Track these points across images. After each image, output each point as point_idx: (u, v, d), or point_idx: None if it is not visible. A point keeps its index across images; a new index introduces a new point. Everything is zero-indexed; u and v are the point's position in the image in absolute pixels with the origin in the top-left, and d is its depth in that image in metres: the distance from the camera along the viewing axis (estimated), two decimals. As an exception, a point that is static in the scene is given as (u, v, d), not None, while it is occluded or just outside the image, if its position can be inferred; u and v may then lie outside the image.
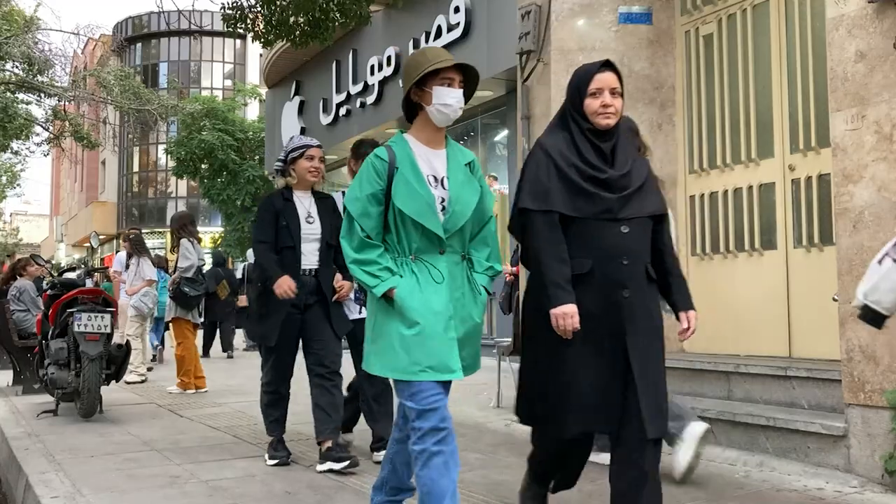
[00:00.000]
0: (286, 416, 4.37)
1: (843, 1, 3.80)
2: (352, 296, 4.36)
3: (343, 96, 13.50)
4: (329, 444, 4.01)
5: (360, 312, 4.31)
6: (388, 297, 2.67)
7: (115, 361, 5.82)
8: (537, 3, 5.49)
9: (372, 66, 12.54)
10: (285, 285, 3.92)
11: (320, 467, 3.98)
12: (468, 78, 3.16)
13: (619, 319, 2.54)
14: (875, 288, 2.49)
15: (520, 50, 5.61)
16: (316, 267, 4.14)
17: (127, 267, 8.38)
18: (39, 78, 21.72)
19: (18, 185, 42.26)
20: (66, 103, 24.32)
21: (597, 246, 2.56)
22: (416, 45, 11.38)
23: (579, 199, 2.59)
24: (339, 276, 4.27)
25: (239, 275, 13.48)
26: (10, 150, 25.74)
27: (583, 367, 2.55)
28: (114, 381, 5.96)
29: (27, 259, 8.24)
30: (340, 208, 3.77)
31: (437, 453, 2.58)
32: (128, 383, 7.42)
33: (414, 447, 2.63)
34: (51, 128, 24.40)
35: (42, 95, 22.49)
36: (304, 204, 4.18)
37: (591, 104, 2.71)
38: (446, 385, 2.70)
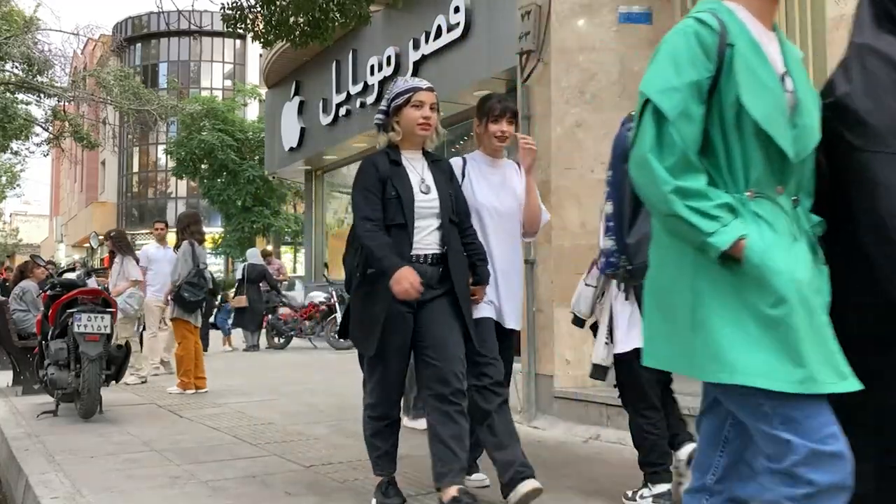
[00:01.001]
0: (397, 447, 3.30)
1: (843, 1, 3.80)
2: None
3: (343, 96, 13.49)
4: (455, 492, 2.95)
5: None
6: (731, 255, 1.68)
7: (115, 362, 5.82)
8: (537, 3, 5.49)
9: (372, 66, 12.54)
10: (407, 282, 2.88)
11: None
12: None
13: None
14: (577, 301, 3.57)
15: (520, 50, 5.61)
16: (436, 252, 3.11)
17: (110, 266, 8.35)
18: (39, 78, 21.74)
19: (18, 185, 42.31)
20: (66, 103, 24.33)
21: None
22: (416, 45, 11.39)
23: None
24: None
25: (239, 275, 13.48)
26: (9, 151, 25.75)
27: None
28: (114, 382, 5.97)
29: (34, 262, 8.23)
30: (459, 175, 3.43)
31: None
32: (127, 384, 7.42)
33: None
34: (50, 128, 24.42)
35: (42, 96, 22.51)
36: (416, 168, 3.18)
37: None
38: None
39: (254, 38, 6.85)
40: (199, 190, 30.34)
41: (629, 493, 3.30)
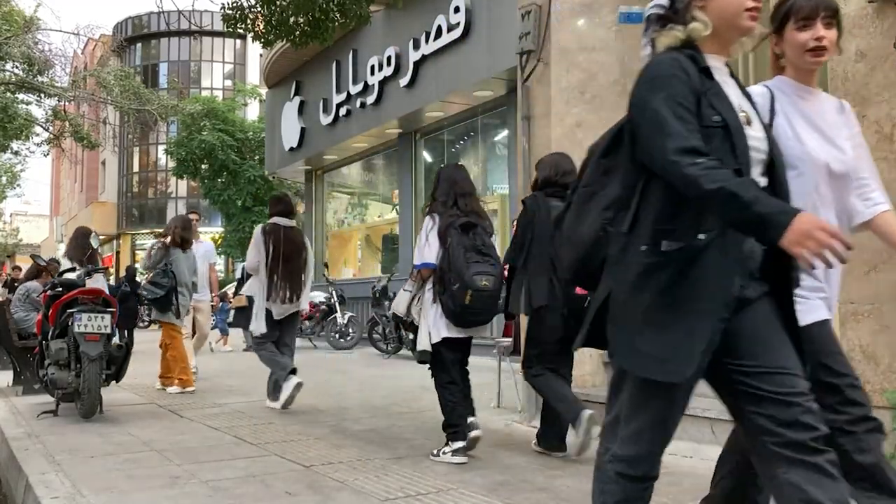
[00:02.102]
0: None
1: (844, 1, 3.80)
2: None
3: (343, 96, 13.50)
4: None
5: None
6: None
7: (116, 362, 5.82)
8: (537, 3, 5.49)
9: (372, 67, 12.55)
10: (822, 232, 1.69)
11: None
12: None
13: None
14: (396, 305, 4.31)
15: (520, 50, 5.61)
16: None
17: (115, 266, 8.28)
18: (39, 78, 21.76)
19: (18, 185, 42.35)
20: (66, 103, 24.35)
21: None
22: (416, 45, 11.40)
23: None
24: None
25: (238, 275, 13.47)
26: (10, 151, 25.77)
27: None
28: (114, 382, 5.97)
29: (52, 265, 8.16)
30: (765, 111, 2.29)
31: None
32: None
33: None
34: (51, 128, 24.43)
35: (42, 96, 22.52)
36: (728, 84, 2.02)
37: None
38: None
39: (254, 38, 6.85)
40: (199, 190, 30.34)
41: (435, 451, 4.17)
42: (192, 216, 8.90)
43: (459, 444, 4.10)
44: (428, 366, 4.29)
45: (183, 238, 7.39)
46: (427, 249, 4.18)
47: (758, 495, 2.31)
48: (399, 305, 4.33)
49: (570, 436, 4.15)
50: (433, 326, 4.13)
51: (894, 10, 3.61)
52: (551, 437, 4.29)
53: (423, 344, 4.18)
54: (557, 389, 4.17)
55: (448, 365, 4.22)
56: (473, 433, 4.22)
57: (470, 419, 4.26)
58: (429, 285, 4.21)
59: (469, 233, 4.15)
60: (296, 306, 6.17)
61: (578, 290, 3.57)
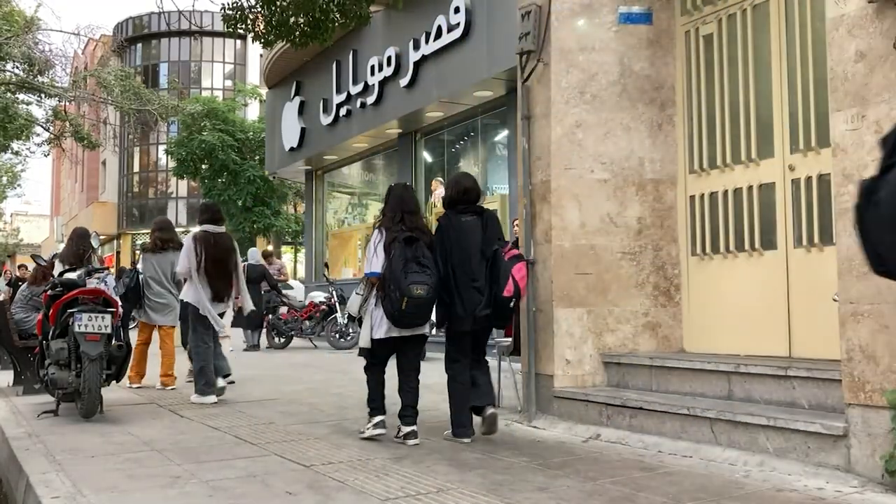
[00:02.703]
0: None
1: (843, 1, 3.80)
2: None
3: (343, 96, 13.50)
4: None
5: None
6: None
7: (116, 362, 5.82)
8: (537, 3, 5.49)
9: (372, 67, 12.55)
10: None
11: None
12: None
13: None
14: (350, 305, 4.91)
15: (520, 50, 5.61)
16: None
17: (116, 266, 8.39)
18: (40, 78, 21.77)
19: (19, 185, 42.41)
20: (67, 104, 24.36)
21: None
22: (417, 45, 11.40)
23: None
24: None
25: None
26: (10, 151, 25.79)
27: None
28: (114, 382, 5.97)
29: (46, 266, 8.18)
30: None
31: None
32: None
33: None
34: (51, 128, 24.44)
35: (42, 96, 22.54)
36: None
37: None
38: None
39: (254, 39, 6.85)
40: (199, 190, 30.35)
41: (361, 430, 4.88)
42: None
43: (378, 418, 4.80)
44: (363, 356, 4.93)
45: (162, 239, 7.75)
46: (375, 260, 4.73)
47: None
48: (352, 306, 4.91)
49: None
50: (377, 326, 4.73)
51: (894, 10, 3.61)
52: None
53: (365, 341, 4.80)
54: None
55: (380, 358, 4.89)
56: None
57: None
58: (375, 290, 4.78)
59: (412, 246, 4.65)
60: (226, 305, 6.87)
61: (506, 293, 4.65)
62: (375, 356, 4.83)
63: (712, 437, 4.22)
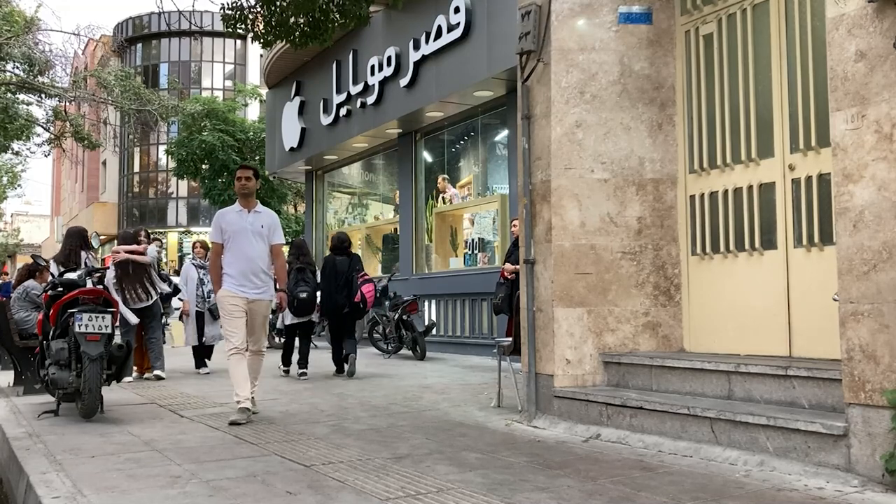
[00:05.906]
0: None
1: (843, 1, 3.80)
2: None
3: (343, 96, 13.50)
4: None
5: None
6: None
7: (116, 361, 5.83)
8: (537, 3, 5.50)
9: (372, 67, 12.55)
10: None
11: None
12: None
13: None
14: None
15: (520, 50, 5.61)
16: None
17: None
18: (40, 79, 21.77)
19: (19, 185, 42.37)
20: (67, 104, 24.35)
21: None
22: (417, 45, 11.40)
23: None
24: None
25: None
26: (10, 151, 25.77)
27: None
28: (115, 381, 5.97)
29: (45, 266, 8.21)
30: None
31: None
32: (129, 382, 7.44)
33: None
34: (51, 128, 24.43)
35: (43, 96, 22.53)
36: None
37: None
38: None
39: (254, 39, 6.85)
40: (199, 190, 30.33)
41: (282, 372, 8.19)
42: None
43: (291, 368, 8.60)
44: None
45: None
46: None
47: None
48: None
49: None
50: (287, 316, 8.50)
51: (894, 10, 3.61)
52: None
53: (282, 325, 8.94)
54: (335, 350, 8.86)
55: (292, 334, 8.84)
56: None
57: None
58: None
59: (304, 271, 8.54)
60: (144, 302, 8.24)
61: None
62: (290, 333, 8.80)
63: (712, 436, 4.23)
